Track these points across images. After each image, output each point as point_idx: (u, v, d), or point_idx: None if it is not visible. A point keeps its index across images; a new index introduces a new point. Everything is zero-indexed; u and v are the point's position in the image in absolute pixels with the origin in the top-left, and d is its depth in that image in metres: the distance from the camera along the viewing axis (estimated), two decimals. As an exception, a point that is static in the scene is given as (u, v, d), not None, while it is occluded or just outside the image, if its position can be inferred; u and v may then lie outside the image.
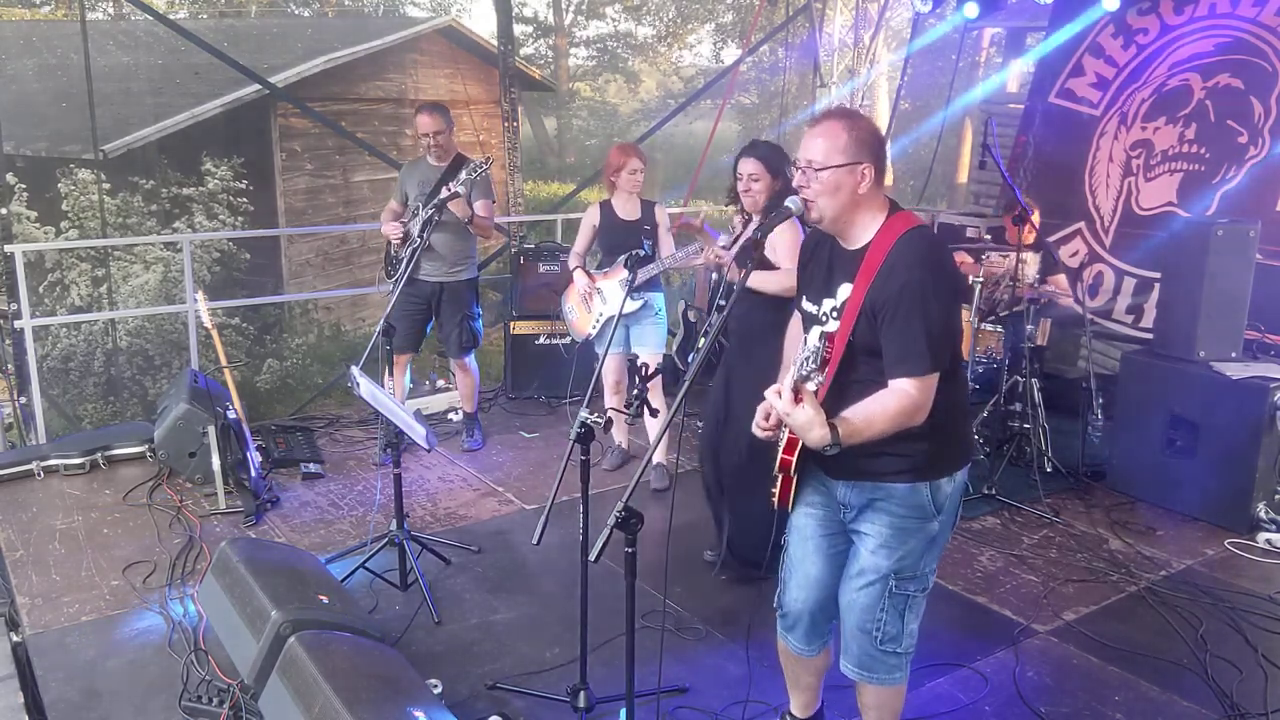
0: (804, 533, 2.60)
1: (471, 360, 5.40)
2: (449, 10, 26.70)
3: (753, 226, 3.76)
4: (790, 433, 2.31)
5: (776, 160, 3.77)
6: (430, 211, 4.69)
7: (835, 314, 2.38)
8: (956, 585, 4.01)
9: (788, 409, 2.15)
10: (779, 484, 2.44)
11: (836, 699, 2.98)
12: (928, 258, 2.29)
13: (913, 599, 2.50)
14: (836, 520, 2.55)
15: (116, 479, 4.89)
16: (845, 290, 2.36)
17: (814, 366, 2.20)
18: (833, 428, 2.15)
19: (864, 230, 2.37)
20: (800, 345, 2.43)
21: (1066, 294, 5.29)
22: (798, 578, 2.63)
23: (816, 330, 2.43)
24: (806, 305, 2.51)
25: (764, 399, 2.32)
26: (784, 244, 3.68)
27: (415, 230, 4.93)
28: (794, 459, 2.35)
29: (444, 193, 4.68)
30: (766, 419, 2.37)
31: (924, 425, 2.28)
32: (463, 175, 4.66)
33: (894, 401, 2.24)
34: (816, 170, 2.31)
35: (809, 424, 2.13)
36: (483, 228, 5.01)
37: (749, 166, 3.76)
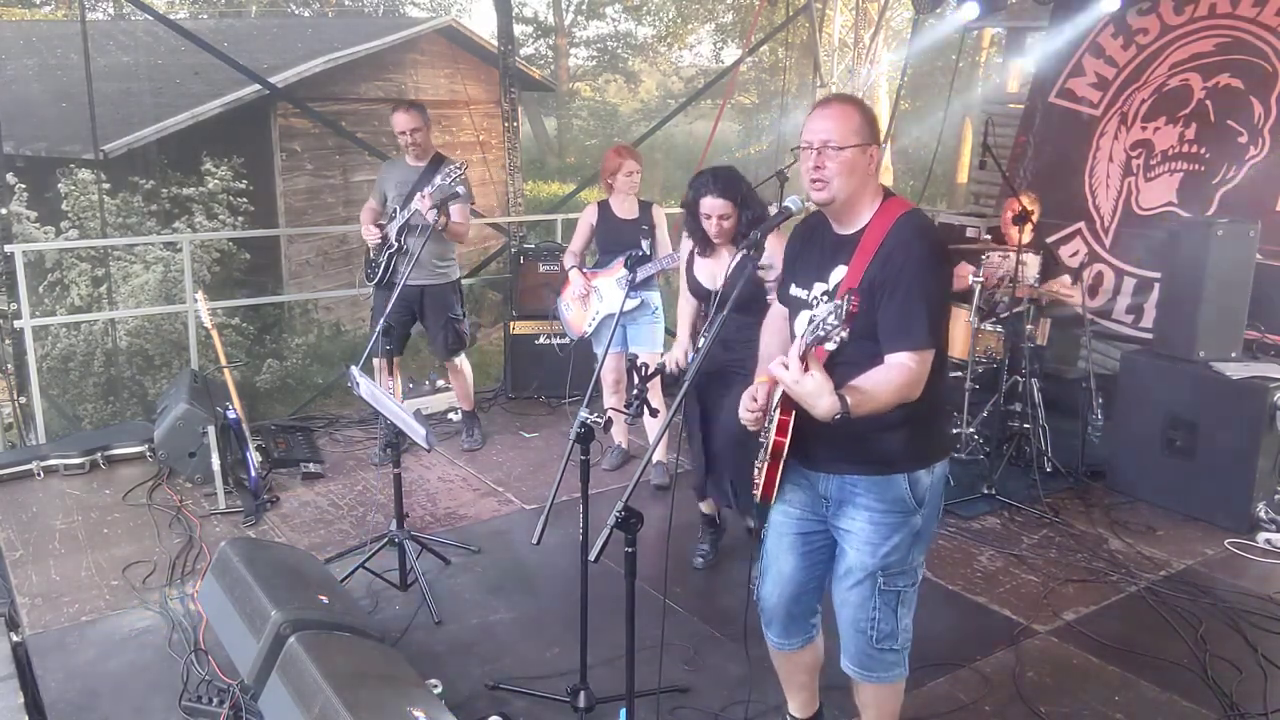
0: (780, 529, 2.61)
1: (462, 361, 5.34)
2: (449, 10, 26.70)
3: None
4: (780, 415, 2.30)
5: (737, 189, 3.59)
6: (407, 216, 4.68)
7: (827, 297, 2.39)
8: (956, 585, 4.01)
9: (797, 377, 2.11)
10: (764, 473, 2.42)
11: (837, 699, 2.98)
12: (928, 238, 2.33)
13: (904, 594, 2.50)
14: (815, 517, 2.54)
15: (116, 479, 4.89)
16: (839, 273, 2.37)
17: (837, 322, 2.07)
18: (840, 397, 2.13)
19: (862, 213, 2.38)
20: (803, 320, 2.41)
21: (1071, 295, 5.27)
22: (772, 573, 2.64)
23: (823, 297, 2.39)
24: (795, 291, 2.51)
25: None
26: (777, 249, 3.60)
27: (393, 234, 4.90)
28: (786, 440, 2.33)
29: (416, 200, 4.67)
30: (754, 401, 2.39)
31: (903, 414, 2.28)
32: (437, 180, 4.63)
33: (896, 374, 2.25)
34: (835, 150, 2.31)
35: (818, 391, 2.10)
36: (456, 234, 4.91)
37: (718, 208, 3.56)
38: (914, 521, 2.44)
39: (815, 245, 2.48)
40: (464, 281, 6.97)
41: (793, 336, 2.47)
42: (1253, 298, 4.69)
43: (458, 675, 3.31)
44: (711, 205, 3.59)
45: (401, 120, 4.88)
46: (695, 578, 4.03)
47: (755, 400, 2.41)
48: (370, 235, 5.02)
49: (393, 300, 4.43)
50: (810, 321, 2.15)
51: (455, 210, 4.83)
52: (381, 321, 4.25)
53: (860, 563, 2.45)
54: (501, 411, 6.20)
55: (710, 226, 3.63)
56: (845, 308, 2.05)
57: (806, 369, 2.11)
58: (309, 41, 13.59)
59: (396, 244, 4.84)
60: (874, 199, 2.39)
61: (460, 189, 4.66)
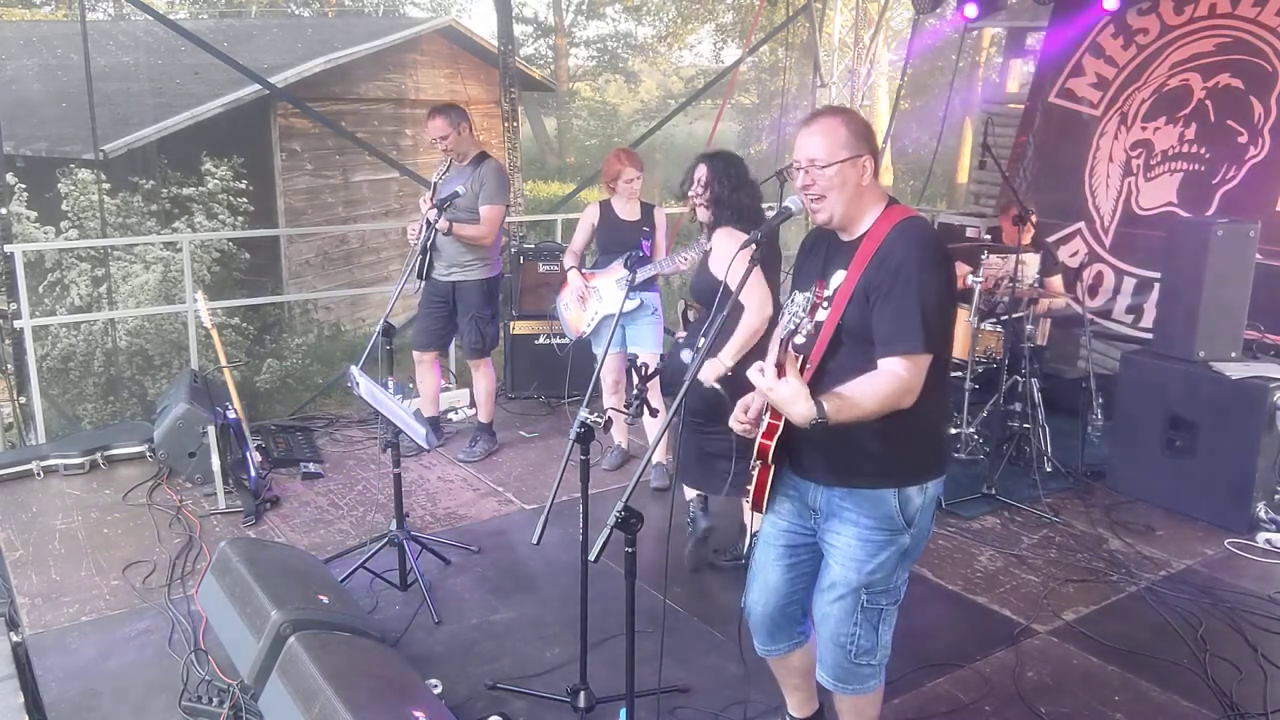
0: (769, 539, 2.58)
1: (485, 364, 5.26)
2: (449, 10, 26.78)
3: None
4: (770, 419, 2.28)
5: (725, 168, 3.66)
6: (425, 214, 4.73)
7: (826, 301, 2.37)
8: (956, 585, 4.01)
9: (771, 384, 2.09)
10: (755, 478, 2.39)
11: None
12: (924, 241, 2.29)
13: (885, 611, 2.46)
14: (804, 529, 2.51)
15: (116, 479, 4.89)
16: (839, 277, 2.34)
17: (803, 315, 2.10)
18: (818, 403, 2.09)
19: (865, 222, 2.36)
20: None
21: (1062, 294, 5.29)
22: (759, 583, 2.62)
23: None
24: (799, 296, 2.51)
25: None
26: (724, 248, 3.54)
27: (423, 228, 4.92)
28: (772, 444, 2.30)
29: (422, 207, 4.75)
30: (745, 412, 2.36)
31: (895, 425, 2.23)
32: (450, 192, 4.65)
33: (883, 382, 2.18)
34: (821, 168, 2.29)
35: (793, 397, 2.07)
36: (466, 236, 4.80)
37: (703, 174, 3.68)
38: (902, 541, 2.38)
39: (819, 252, 2.47)
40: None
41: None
42: (1253, 298, 4.69)
43: (458, 675, 3.31)
44: (699, 171, 3.70)
45: (428, 129, 4.85)
46: (695, 578, 4.03)
47: (745, 411, 2.38)
48: (410, 233, 5.00)
49: (419, 296, 4.44)
50: (786, 315, 2.15)
51: (485, 210, 4.82)
52: (381, 321, 4.24)
53: (844, 578, 2.41)
54: (501, 411, 6.19)
55: (691, 190, 3.72)
56: (811, 298, 2.03)
57: (782, 374, 2.09)
58: (309, 41, 13.60)
59: (427, 233, 4.83)
60: (876, 206, 2.37)
61: (461, 189, 4.68)
